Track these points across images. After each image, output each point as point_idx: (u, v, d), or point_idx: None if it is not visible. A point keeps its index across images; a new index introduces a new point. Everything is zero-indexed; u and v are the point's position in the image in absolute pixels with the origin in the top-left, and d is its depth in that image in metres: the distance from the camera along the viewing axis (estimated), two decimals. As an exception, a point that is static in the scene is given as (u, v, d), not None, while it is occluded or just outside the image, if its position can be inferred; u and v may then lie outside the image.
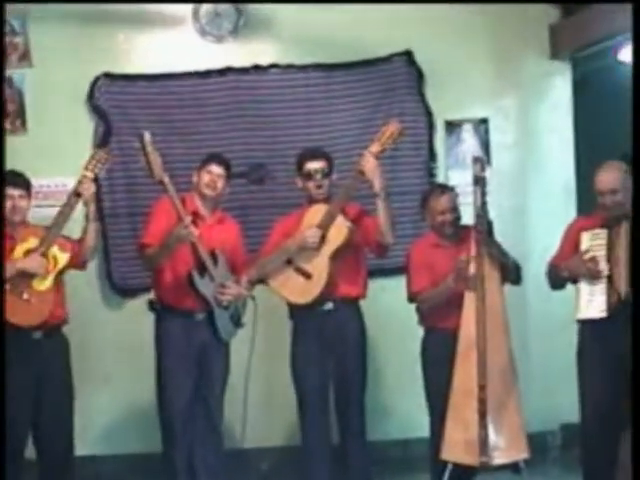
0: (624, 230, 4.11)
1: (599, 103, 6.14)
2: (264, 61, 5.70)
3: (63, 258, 4.33)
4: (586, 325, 4.26)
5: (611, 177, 4.21)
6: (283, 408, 5.31)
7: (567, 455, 5.64)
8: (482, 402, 4.15)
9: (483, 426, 4.15)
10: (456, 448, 4.26)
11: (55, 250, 4.29)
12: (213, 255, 4.55)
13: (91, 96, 5.56)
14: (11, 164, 4.59)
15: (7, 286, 4.14)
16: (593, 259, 4.16)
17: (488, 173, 4.48)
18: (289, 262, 4.59)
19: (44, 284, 4.25)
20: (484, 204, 4.28)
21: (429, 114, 5.80)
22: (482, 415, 4.15)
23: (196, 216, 4.51)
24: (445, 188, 4.74)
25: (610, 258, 4.14)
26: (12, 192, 4.32)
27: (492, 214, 4.40)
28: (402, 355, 5.43)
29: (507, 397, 4.28)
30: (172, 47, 5.68)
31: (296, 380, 4.68)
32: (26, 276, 4.19)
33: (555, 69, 5.97)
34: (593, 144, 5.86)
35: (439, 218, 4.55)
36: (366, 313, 4.73)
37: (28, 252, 4.23)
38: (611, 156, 4.39)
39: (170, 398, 4.55)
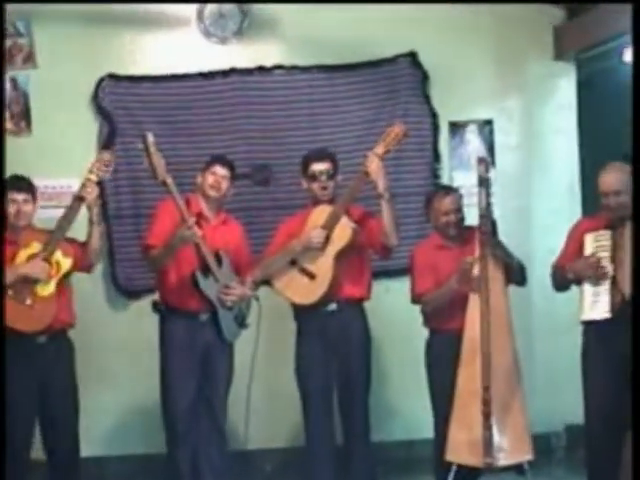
0: (628, 231, 4.10)
1: (604, 104, 6.12)
2: (268, 62, 5.70)
3: (66, 263, 4.31)
4: (590, 326, 4.25)
5: (615, 178, 4.21)
6: (287, 409, 5.31)
7: (571, 456, 5.63)
8: (486, 403, 4.15)
9: (487, 427, 4.15)
10: (460, 449, 4.26)
11: (58, 255, 4.26)
12: (217, 256, 4.55)
13: (96, 97, 5.56)
14: (16, 165, 4.59)
15: (10, 292, 4.13)
16: (597, 260, 4.16)
17: (492, 174, 4.47)
18: (293, 263, 4.59)
19: (47, 289, 4.23)
20: (488, 205, 4.28)
21: (433, 115, 5.79)
22: (486, 416, 4.15)
23: (200, 217, 4.51)
24: (449, 189, 4.75)
25: (614, 259, 4.14)
26: (16, 197, 4.30)
27: (496, 215, 4.41)
28: (406, 356, 5.43)
29: (511, 398, 4.28)
30: (176, 48, 5.67)
31: (300, 381, 4.68)
32: (29, 282, 4.17)
33: (560, 70, 5.96)
34: (598, 145, 5.84)
35: (443, 219, 4.55)
36: (370, 314, 4.73)
37: (31, 257, 4.21)
38: (616, 157, 4.38)
39: (174, 399, 4.55)
